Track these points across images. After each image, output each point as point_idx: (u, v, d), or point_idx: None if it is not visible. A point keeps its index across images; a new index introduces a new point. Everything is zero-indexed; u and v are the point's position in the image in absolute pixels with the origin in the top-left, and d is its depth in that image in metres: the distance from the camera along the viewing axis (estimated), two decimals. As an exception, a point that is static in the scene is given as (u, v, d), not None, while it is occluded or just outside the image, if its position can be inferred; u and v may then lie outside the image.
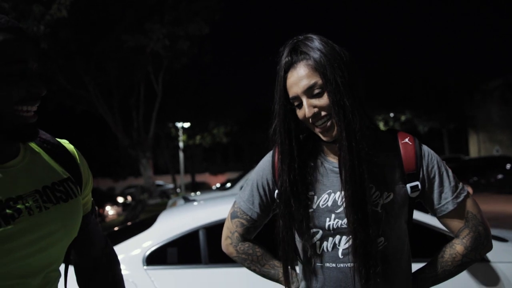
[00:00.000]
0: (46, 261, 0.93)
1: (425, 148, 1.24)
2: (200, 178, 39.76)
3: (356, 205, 1.12)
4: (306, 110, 1.13)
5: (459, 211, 1.22)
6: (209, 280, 2.70)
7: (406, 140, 1.23)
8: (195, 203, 3.67)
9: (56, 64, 12.54)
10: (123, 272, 2.64)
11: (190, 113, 24.35)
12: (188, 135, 28.89)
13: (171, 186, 31.60)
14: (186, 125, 26.74)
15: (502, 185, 21.54)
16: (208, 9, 12.81)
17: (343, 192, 1.16)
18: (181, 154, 28.69)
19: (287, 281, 1.27)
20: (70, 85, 13.79)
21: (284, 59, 1.17)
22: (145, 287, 2.58)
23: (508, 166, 23.02)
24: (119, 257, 2.69)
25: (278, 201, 1.28)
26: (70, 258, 1.12)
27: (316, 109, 1.13)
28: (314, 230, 1.21)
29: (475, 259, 1.23)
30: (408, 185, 1.19)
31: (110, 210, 17.60)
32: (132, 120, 15.37)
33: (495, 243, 2.94)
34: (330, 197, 1.20)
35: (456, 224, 1.23)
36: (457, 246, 1.23)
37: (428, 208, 1.25)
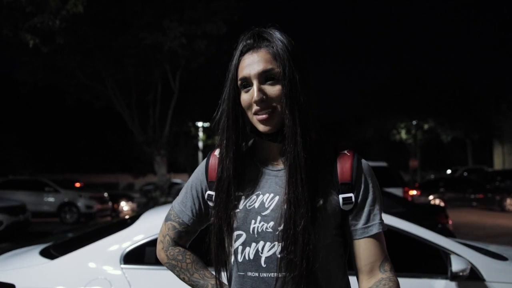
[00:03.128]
0: None
1: (364, 163, 1.15)
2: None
3: (295, 208, 1.04)
4: (255, 93, 1.06)
5: (381, 239, 1.12)
6: (183, 283, 2.62)
7: (345, 151, 1.15)
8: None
9: (74, 59, 12.73)
10: (99, 270, 2.57)
11: (209, 113, 24.44)
12: (207, 135, 29.04)
13: (188, 184, 31.81)
14: (206, 124, 26.90)
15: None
16: (228, 9, 12.82)
17: (286, 195, 1.07)
18: (199, 154, 28.85)
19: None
20: (88, 80, 13.99)
21: (246, 40, 1.12)
22: (119, 285, 2.53)
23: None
24: (97, 254, 2.65)
25: (213, 200, 1.20)
26: None
27: (264, 96, 1.06)
28: (238, 232, 1.12)
29: None
30: (341, 196, 1.10)
31: (125, 206, 17.85)
32: (148, 117, 15.50)
33: (492, 260, 2.79)
34: (258, 198, 1.12)
35: (377, 251, 1.11)
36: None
37: (351, 224, 1.13)
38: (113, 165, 40.39)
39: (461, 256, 2.65)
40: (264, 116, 1.08)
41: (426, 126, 29.67)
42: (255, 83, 1.08)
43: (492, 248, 3.47)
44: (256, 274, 1.09)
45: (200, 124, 26.95)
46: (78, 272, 2.59)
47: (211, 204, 1.22)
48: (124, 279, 2.56)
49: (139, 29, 11.96)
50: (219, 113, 1.17)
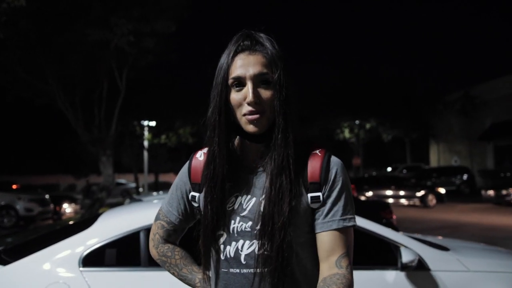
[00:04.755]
0: None
1: (335, 162, 1.20)
2: (165, 178, 39.27)
3: (275, 207, 1.10)
4: (250, 94, 1.10)
5: (342, 235, 1.15)
6: (147, 284, 2.62)
7: (317, 151, 1.21)
8: (140, 203, 3.58)
9: (15, 54, 12.06)
10: (57, 273, 2.50)
11: (156, 112, 24.01)
12: (153, 134, 28.45)
13: (133, 185, 31.08)
14: (152, 123, 26.36)
15: (458, 194, 22.36)
16: (177, 7, 12.66)
17: (266, 195, 1.13)
18: (145, 153, 28.22)
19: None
20: (29, 77, 13.29)
21: (243, 41, 1.15)
22: (79, 289, 2.48)
23: (465, 176, 23.90)
24: (55, 257, 2.59)
25: (199, 202, 1.26)
26: None
27: (258, 99, 1.11)
28: (219, 232, 1.18)
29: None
30: (309, 195, 1.16)
31: (67, 208, 17.14)
32: (93, 116, 14.98)
33: (436, 251, 3.00)
34: (237, 200, 1.18)
35: (334, 246, 1.14)
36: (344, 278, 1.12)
37: (315, 219, 1.18)
38: (54, 166, 38.52)
39: (410, 248, 2.84)
40: (255, 116, 1.12)
41: (368, 126, 30.83)
42: (249, 84, 1.12)
43: (435, 240, 3.74)
44: (238, 271, 1.16)
45: (146, 123, 26.35)
46: (35, 277, 2.52)
47: (195, 204, 1.29)
48: (84, 282, 2.52)
49: (86, 25, 11.53)
50: (210, 109, 1.18)
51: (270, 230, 1.10)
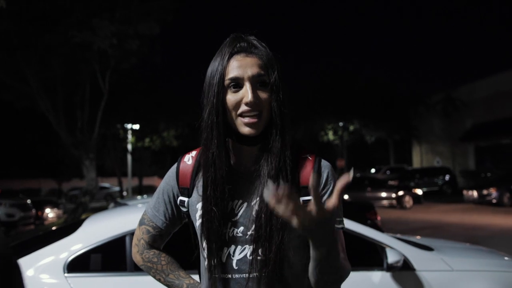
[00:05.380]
0: None
1: (325, 165, 1.21)
2: (149, 181, 39.00)
3: (269, 213, 1.10)
4: (249, 94, 1.10)
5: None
6: (132, 289, 2.59)
7: (307, 155, 1.21)
8: (125, 207, 3.54)
9: (-6, 56, 11.86)
10: (41, 279, 2.46)
11: (139, 115, 23.80)
12: (136, 137, 28.19)
13: (117, 189, 30.75)
14: (135, 126, 26.10)
15: (441, 195, 22.70)
16: (162, 9, 12.58)
17: (257, 199, 1.13)
18: (129, 157, 27.95)
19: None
20: (9, 79, 13.05)
21: (239, 42, 1.15)
22: (64, 295, 2.45)
23: (447, 177, 24.28)
24: (39, 263, 2.54)
25: (185, 207, 1.25)
26: None
27: (257, 100, 1.11)
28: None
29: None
30: (301, 199, 1.16)
31: (50, 213, 16.87)
32: (76, 119, 14.78)
33: (421, 251, 3.04)
34: (228, 205, 1.16)
35: None
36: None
37: None
38: (35, 170, 37.88)
39: (395, 249, 2.88)
40: (253, 120, 1.11)
41: (351, 128, 31.08)
42: (248, 85, 1.11)
43: (419, 240, 3.79)
44: (229, 276, 1.15)
45: (129, 126, 26.08)
46: None
47: (183, 209, 1.26)
48: (69, 288, 2.48)
49: (68, 27, 11.37)
50: (206, 111, 1.16)
51: (268, 232, 1.10)
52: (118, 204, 4.81)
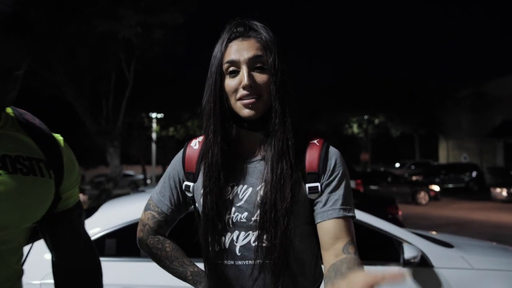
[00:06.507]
0: None
1: (333, 151, 1.17)
2: (172, 170, 39.46)
3: (278, 193, 1.08)
4: (245, 77, 1.07)
5: (345, 224, 1.11)
6: (146, 274, 2.61)
7: (315, 141, 1.17)
8: (142, 194, 3.56)
9: (23, 44, 12.06)
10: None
11: (164, 104, 24.06)
12: (161, 126, 28.55)
13: (141, 176, 31.25)
14: (160, 115, 26.42)
15: (468, 191, 22.18)
16: (185, -1, 12.61)
17: (262, 184, 1.11)
18: (153, 145, 28.34)
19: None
20: (37, 67, 13.35)
21: (236, 28, 1.13)
22: (78, 279, 2.48)
23: (474, 173, 23.70)
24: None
25: (191, 192, 1.23)
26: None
27: (253, 83, 1.08)
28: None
29: None
30: (307, 185, 1.12)
31: (75, 198, 17.24)
32: (101, 107, 15.03)
33: (440, 248, 2.96)
34: (232, 190, 1.15)
35: (338, 233, 1.10)
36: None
37: (314, 210, 1.15)
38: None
39: (413, 244, 2.80)
40: (251, 100, 1.09)
41: (376, 121, 30.65)
42: (244, 68, 1.09)
43: (439, 236, 3.68)
44: (232, 262, 1.13)
45: (154, 115, 26.43)
46: (34, 265, 2.51)
47: (189, 194, 1.25)
48: (83, 272, 2.51)
49: (93, 16, 11.53)
50: (205, 98, 1.16)
51: (273, 217, 1.07)
52: (136, 191, 4.86)
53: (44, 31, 12.01)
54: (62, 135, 1.16)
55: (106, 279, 2.52)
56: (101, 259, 2.61)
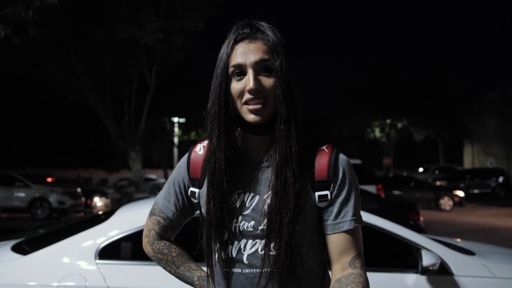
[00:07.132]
0: None
1: (343, 159, 1.14)
2: (194, 174, 39.74)
3: (283, 201, 1.06)
4: (251, 81, 1.05)
5: (354, 236, 1.11)
6: (160, 278, 2.61)
7: (324, 147, 1.14)
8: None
9: (47, 51, 12.41)
10: (73, 265, 2.52)
11: (186, 108, 24.29)
12: (183, 131, 28.83)
13: (163, 180, 31.59)
14: (182, 120, 26.69)
15: (494, 197, 21.62)
16: (206, 4, 12.73)
17: (272, 189, 1.08)
18: (175, 150, 28.62)
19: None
20: (61, 73, 13.66)
21: (242, 29, 1.10)
22: (94, 281, 2.50)
23: (500, 178, 23.09)
24: (72, 250, 2.62)
25: (196, 198, 1.21)
26: None
27: (260, 86, 1.06)
28: (222, 231, 1.13)
29: None
30: (317, 193, 1.10)
31: (98, 202, 17.56)
32: (123, 112, 15.27)
33: (460, 255, 2.88)
34: (239, 197, 1.13)
35: (347, 247, 1.11)
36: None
37: (324, 220, 1.13)
38: (87, 160, 39.67)
39: (432, 251, 2.73)
40: (257, 106, 1.07)
41: (399, 125, 30.23)
42: (250, 72, 1.07)
43: (461, 243, 3.59)
44: (239, 271, 1.11)
45: (176, 119, 26.71)
46: (52, 267, 2.55)
47: (194, 200, 1.23)
48: (99, 274, 2.53)
49: (115, 23, 11.75)
50: (210, 101, 1.14)
51: (278, 226, 1.06)
52: (154, 194, 4.91)
53: (67, 38, 12.30)
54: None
55: (122, 282, 2.55)
56: (117, 262, 2.64)
